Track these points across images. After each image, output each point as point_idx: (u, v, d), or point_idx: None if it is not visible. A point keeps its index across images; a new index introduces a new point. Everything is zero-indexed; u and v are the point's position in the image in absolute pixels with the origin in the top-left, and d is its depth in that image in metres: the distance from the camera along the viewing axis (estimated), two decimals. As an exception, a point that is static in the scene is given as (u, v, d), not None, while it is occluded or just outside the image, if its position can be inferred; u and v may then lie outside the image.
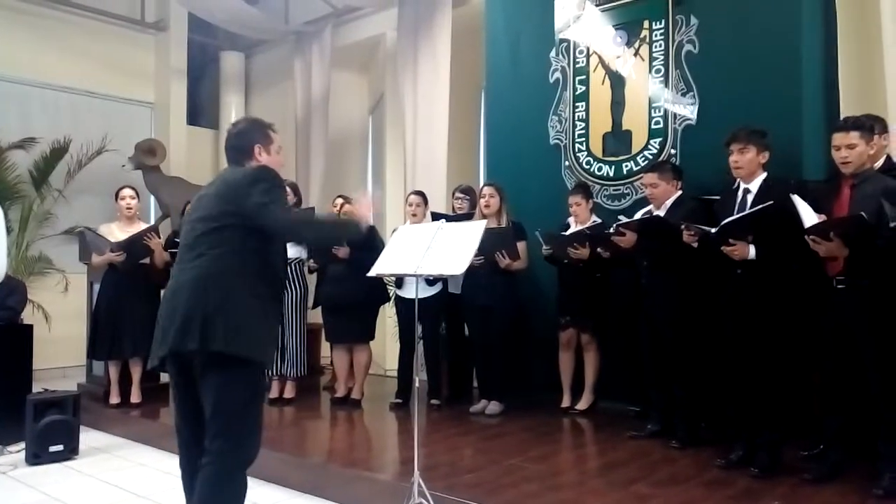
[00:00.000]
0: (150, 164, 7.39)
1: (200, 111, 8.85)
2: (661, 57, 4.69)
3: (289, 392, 5.26)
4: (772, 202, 3.17)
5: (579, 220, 4.63)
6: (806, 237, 3.02)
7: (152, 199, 7.69)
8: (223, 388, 2.29)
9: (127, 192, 5.19)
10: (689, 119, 4.55)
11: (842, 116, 3.60)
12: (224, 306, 2.27)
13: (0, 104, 6.98)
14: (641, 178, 4.32)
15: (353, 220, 2.74)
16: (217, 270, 2.32)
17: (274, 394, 5.26)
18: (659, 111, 4.69)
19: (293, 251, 5.15)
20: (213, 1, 7.12)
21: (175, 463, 2.52)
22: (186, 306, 2.28)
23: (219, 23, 7.83)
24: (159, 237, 5.20)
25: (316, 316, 5.52)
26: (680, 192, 4.01)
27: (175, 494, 1.93)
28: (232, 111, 8.58)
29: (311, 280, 5.49)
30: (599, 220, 4.58)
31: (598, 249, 4.30)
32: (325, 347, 5.89)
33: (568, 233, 4.56)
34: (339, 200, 5.27)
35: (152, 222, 6.99)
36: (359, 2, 7.20)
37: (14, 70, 7.05)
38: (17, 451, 4.33)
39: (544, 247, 4.60)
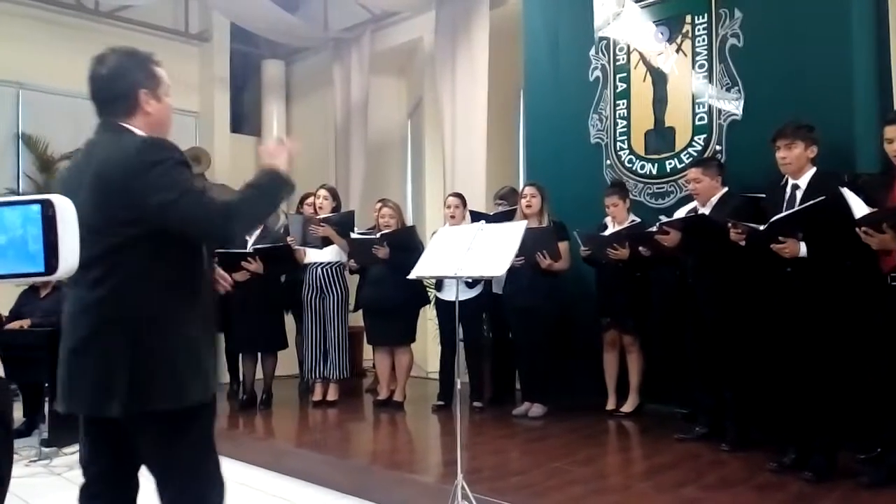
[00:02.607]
0: (196, 172, 7.50)
1: (243, 119, 9.00)
2: (705, 52, 4.60)
3: (332, 394, 5.30)
4: (823, 197, 3.08)
5: (617, 220, 4.56)
6: (857, 229, 2.92)
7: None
8: (166, 447, 1.81)
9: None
10: (734, 114, 4.44)
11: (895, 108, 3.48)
12: (143, 353, 1.73)
13: (50, 117, 7.20)
14: (685, 175, 4.24)
15: (270, 171, 1.94)
16: (125, 305, 1.74)
17: (317, 396, 5.31)
18: (703, 107, 4.60)
19: (332, 254, 5.20)
20: (255, 11, 7.23)
21: (223, 465, 2.47)
22: (95, 357, 1.74)
23: (260, 32, 7.96)
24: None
25: (358, 318, 5.55)
26: (725, 189, 3.92)
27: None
28: (274, 118, 8.70)
29: (353, 282, 5.53)
30: (638, 220, 4.51)
31: (640, 248, 4.23)
32: (367, 350, 5.93)
33: (606, 233, 4.50)
34: (379, 205, 5.30)
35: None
36: (396, 6, 7.24)
37: (62, 83, 7.26)
38: (72, 453, 4.45)
39: (583, 248, 4.56)
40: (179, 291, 1.80)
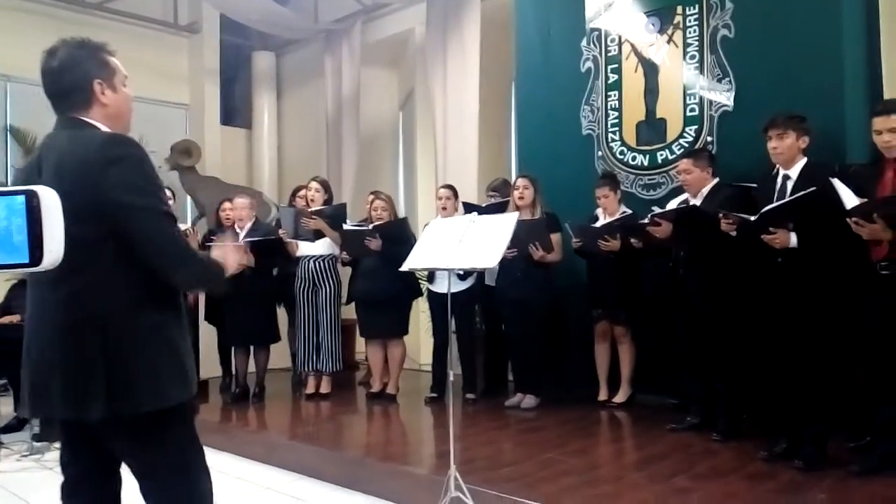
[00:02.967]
0: (186, 165, 7.51)
1: (234, 111, 8.95)
2: (696, 43, 4.59)
3: (324, 387, 5.30)
4: (814, 188, 3.09)
5: (608, 211, 4.56)
6: (848, 219, 2.94)
7: (188, 198, 7.82)
8: (149, 449, 1.78)
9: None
10: (725, 105, 4.45)
11: (885, 99, 3.49)
12: (118, 353, 1.68)
13: (38, 109, 7.04)
14: (676, 166, 4.24)
15: (219, 266, 1.93)
16: (93, 303, 1.68)
17: (310, 389, 5.31)
18: (694, 98, 4.60)
19: (324, 247, 5.18)
20: (245, 2, 7.19)
21: (216, 458, 2.48)
22: (67, 359, 1.68)
23: (250, 23, 7.90)
24: (196, 236, 5.29)
25: (350, 311, 5.55)
26: (717, 180, 3.93)
27: (217, 487, 1.94)
28: (265, 110, 8.67)
29: (345, 275, 5.52)
30: (629, 211, 4.51)
31: (632, 240, 4.24)
32: (360, 342, 5.93)
33: (597, 225, 4.50)
34: (371, 197, 5.28)
35: (189, 222, 7.10)
36: (387, -3, 7.21)
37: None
38: (64, 447, 4.43)
39: (574, 240, 4.56)
40: (151, 289, 1.74)
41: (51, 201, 1.03)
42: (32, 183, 1.54)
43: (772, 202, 3.27)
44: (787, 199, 3.23)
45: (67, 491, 1.91)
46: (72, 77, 1.77)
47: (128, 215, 1.66)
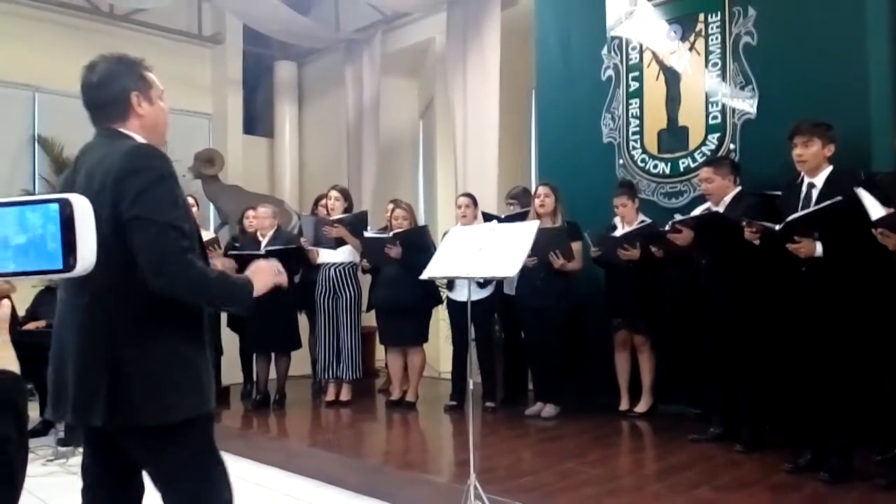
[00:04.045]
0: (209, 174, 7.60)
1: (256, 120, 9.05)
2: (718, 50, 4.57)
3: (344, 395, 5.32)
4: (840, 197, 3.04)
5: (626, 220, 4.53)
6: (873, 230, 2.90)
7: (211, 207, 7.90)
8: (161, 460, 1.79)
9: (188, 200, 5.32)
10: (748, 113, 4.41)
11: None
12: (124, 364, 1.68)
13: (66, 119, 7.21)
14: (698, 174, 4.21)
15: (246, 282, 1.88)
16: (105, 312, 1.70)
17: (330, 396, 5.33)
18: (716, 106, 4.57)
19: (345, 255, 5.21)
20: (267, 12, 7.27)
21: (236, 465, 2.51)
22: (78, 365, 1.71)
23: (272, 33, 8.00)
24: (220, 247, 5.34)
25: (370, 319, 5.56)
26: (739, 188, 3.90)
27: (236, 493, 1.94)
28: (286, 119, 8.75)
29: (365, 283, 5.54)
30: (647, 220, 4.48)
31: (652, 248, 4.21)
32: (379, 350, 5.94)
33: (616, 234, 4.48)
34: (391, 206, 5.31)
35: (212, 230, 7.18)
36: (408, 7, 7.26)
37: (77, 86, 7.32)
38: (88, 452, 4.47)
39: (593, 249, 4.54)
40: (165, 300, 1.69)
41: (84, 209, 1.06)
42: (69, 191, 1.54)
43: (796, 211, 3.23)
44: (812, 209, 3.19)
45: (87, 495, 1.92)
46: (110, 90, 1.82)
47: (129, 224, 1.65)
